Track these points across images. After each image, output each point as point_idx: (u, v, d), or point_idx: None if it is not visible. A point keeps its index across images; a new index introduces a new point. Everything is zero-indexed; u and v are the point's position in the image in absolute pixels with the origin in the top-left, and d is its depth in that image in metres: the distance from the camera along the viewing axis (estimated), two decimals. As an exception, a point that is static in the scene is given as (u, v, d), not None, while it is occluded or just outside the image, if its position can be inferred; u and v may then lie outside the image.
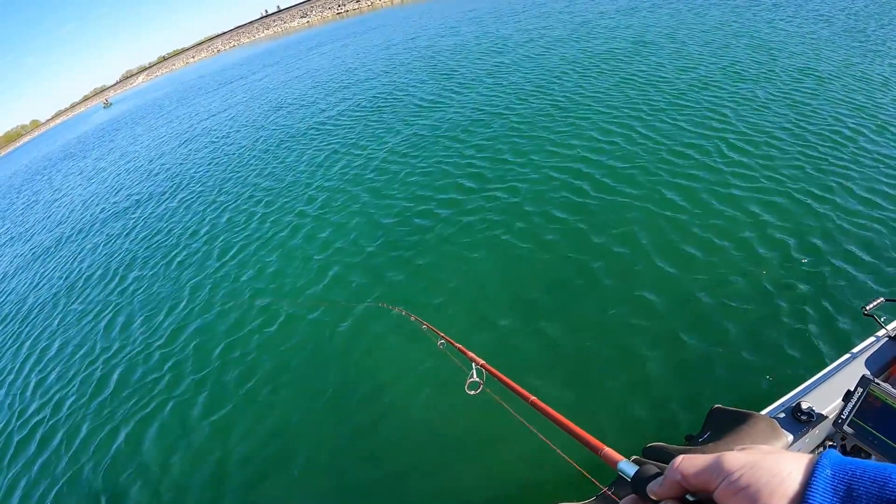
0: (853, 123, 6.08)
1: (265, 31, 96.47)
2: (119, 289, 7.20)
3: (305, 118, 12.81)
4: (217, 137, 14.47)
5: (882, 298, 2.13)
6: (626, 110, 7.63)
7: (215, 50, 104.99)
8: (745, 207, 4.84)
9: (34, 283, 9.05)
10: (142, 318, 6.11)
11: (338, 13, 77.00)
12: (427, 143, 8.47)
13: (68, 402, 5.14)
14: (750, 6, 12.89)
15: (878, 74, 7.33)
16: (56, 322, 7.04)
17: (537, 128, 7.89)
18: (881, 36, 8.95)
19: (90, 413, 4.83)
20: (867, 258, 4.00)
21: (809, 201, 4.79)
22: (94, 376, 5.36)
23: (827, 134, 5.94)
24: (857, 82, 7.17)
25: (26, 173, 29.04)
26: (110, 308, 6.71)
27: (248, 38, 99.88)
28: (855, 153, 5.46)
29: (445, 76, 12.66)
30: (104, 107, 75.08)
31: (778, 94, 7.21)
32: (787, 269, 4.03)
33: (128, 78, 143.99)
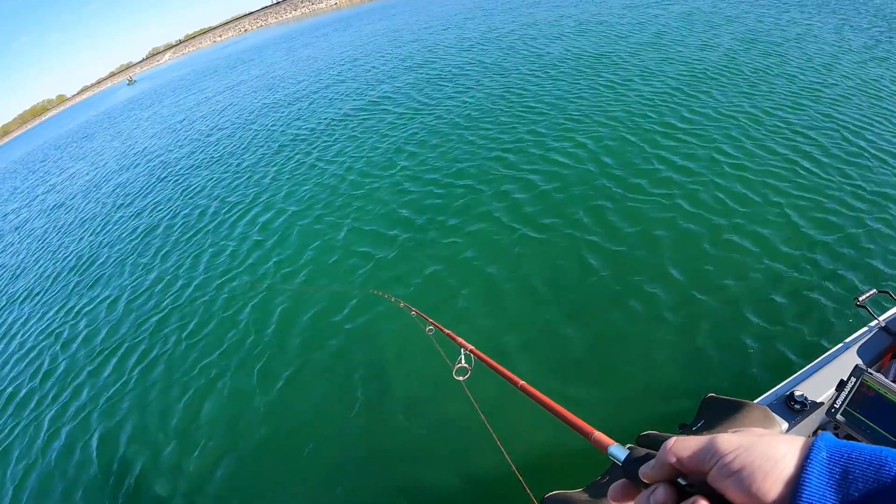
0: (852, 119, 6.34)
1: (293, 12, 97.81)
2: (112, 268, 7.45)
3: (315, 108, 12.92)
4: (228, 126, 14.72)
5: (874, 290, 2.23)
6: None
7: (242, 29, 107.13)
8: (740, 204, 5.03)
9: (26, 265, 9.44)
10: (146, 294, 6.57)
11: (367, -4, 77.35)
12: (433, 137, 8.54)
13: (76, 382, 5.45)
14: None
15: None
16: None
17: (550, 114, 7.95)
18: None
19: (100, 393, 5.14)
20: (859, 251, 4.19)
21: (803, 197, 4.98)
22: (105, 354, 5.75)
23: (822, 130, 6.19)
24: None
25: (43, 152, 30.25)
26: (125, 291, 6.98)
27: (276, 18, 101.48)
28: (852, 150, 5.68)
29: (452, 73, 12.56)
30: (128, 84, 77.69)
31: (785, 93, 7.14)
32: (781, 263, 4.19)
33: (154, 55, 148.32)
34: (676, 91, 8.10)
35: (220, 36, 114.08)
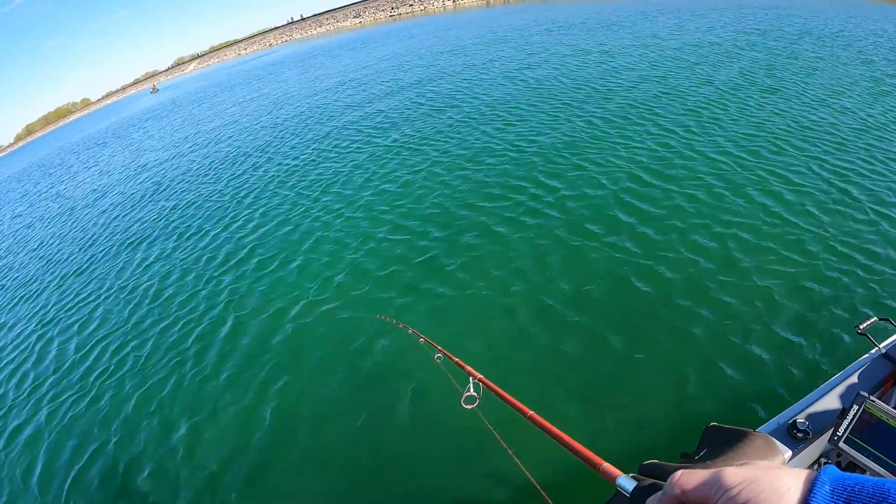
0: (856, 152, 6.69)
1: (317, 29, 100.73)
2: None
3: (325, 126, 13.40)
4: (230, 144, 15.30)
5: (875, 318, 2.27)
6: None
7: (267, 44, 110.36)
8: (741, 237, 5.21)
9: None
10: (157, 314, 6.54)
11: (390, 15, 79.64)
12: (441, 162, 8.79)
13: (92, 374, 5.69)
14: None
15: None
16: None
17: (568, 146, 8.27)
18: None
19: (111, 386, 5.33)
20: (860, 280, 4.39)
21: (804, 228, 5.21)
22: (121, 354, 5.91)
23: (827, 162, 6.50)
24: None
25: (60, 156, 31.51)
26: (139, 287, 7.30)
27: (300, 34, 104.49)
28: (857, 181, 5.96)
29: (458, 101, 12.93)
30: (151, 92, 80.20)
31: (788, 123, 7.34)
32: (782, 293, 4.36)
33: (179, 64, 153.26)
34: (679, 127, 8.32)
35: (245, 49, 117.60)
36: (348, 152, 10.60)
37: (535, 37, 20.86)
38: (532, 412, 1.28)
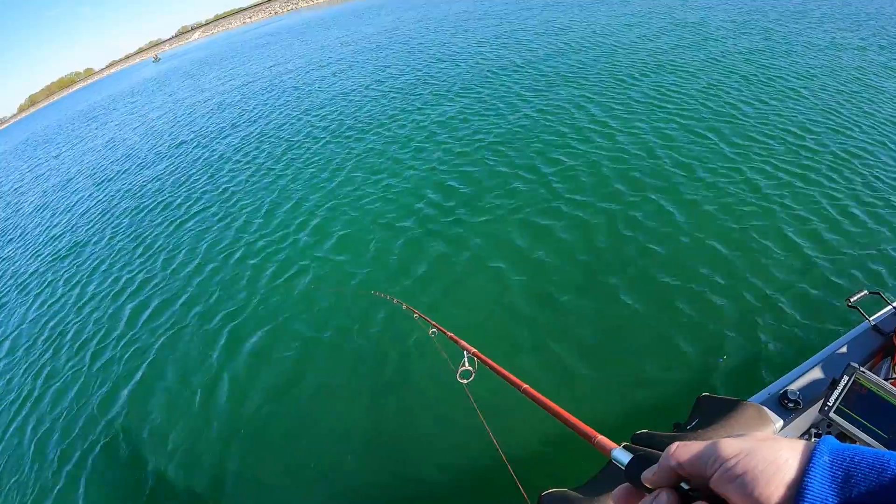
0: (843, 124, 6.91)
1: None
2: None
3: (303, 106, 13.61)
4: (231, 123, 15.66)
5: (865, 291, 2.36)
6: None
7: (272, 12, 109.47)
8: (735, 210, 5.36)
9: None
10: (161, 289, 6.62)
11: (398, -16, 78.37)
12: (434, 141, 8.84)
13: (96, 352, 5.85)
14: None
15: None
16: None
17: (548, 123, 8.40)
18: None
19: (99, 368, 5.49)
20: (850, 252, 4.55)
21: (798, 204, 5.32)
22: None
23: (813, 135, 6.69)
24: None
25: (55, 130, 32.44)
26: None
27: (306, 2, 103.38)
28: (834, 158, 6.15)
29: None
30: (154, 61, 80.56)
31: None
32: (774, 266, 4.50)
33: (184, 33, 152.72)
34: (690, 96, 8.44)
35: (250, 18, 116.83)
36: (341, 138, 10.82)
37: (558, 8, 20.53)
38: (526, 385, 1.29)
